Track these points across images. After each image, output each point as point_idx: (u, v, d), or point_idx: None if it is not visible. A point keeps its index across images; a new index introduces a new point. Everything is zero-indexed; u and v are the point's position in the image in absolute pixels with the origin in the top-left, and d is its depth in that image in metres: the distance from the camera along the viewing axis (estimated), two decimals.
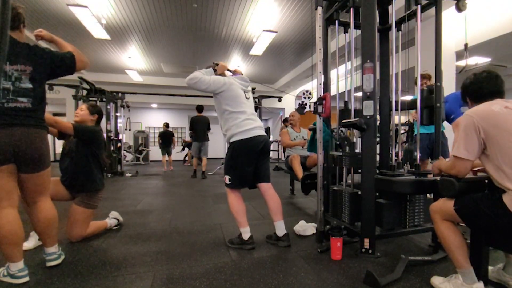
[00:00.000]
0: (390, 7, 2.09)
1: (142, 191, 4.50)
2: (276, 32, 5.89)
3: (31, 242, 1.95)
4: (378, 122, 2.19)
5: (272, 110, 12.15)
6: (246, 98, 2.10)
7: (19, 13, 1.52)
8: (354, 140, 2.08)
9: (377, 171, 1.91)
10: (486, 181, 1.37)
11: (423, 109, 1.98)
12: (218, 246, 2.06)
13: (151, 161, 11.62)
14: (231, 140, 2.00)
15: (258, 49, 6.83)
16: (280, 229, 2.07)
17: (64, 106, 10.07)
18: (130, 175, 6.65)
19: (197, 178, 6.08)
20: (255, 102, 2.71)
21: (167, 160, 8.41)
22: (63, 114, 10.84)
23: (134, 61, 8.13)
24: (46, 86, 1.61)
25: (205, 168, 6.21)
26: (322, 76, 2.11)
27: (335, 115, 2.27)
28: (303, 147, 3.99)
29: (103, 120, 2.92)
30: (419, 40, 1.89)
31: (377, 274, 1.47)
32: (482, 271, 1.34)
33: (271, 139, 9.38)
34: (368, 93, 1.80)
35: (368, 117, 1.79)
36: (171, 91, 9.55)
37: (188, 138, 11.77)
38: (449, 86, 3.96)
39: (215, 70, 2.17)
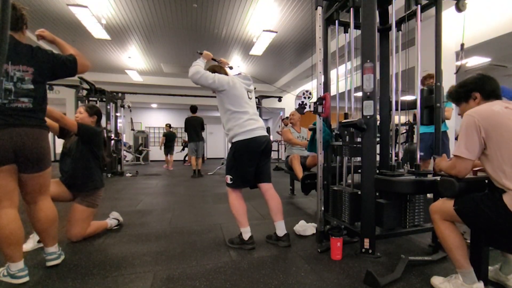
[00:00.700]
0: (390, 7, 2.09)
1: (142, 191, 4.50)
2: (276, 32, 5.89)
3: (30, 244, 1.95)
4: (378, 122, 2.19)
5: (272, 110, 12.14)
6: (249, 98, 2.10)
7: (23, 14, 1.52)
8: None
9: (377, 171, 1.91)
10: (486, 181, 1.37)
11: (423, 109, 1.98)
12: (218, 246, 2.06)
13: (151, 161, 11.61)
14: (233, 140, 2.00)
15: (258, 49, 6.83)
16: (280, 229, 2.07)
17: (64, 106, 10.06)
18: (130, 175, 6.64)
19: (194, 177, 6.17)
20: (255, 102, 2.72)
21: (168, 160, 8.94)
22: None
23: (134, 61, 8.13)
24: (46, 86, 1.61)
25: (200, 166, 6.40)
26: (322, 76, 2.11)
27: (335, 115, 2.27)
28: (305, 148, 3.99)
29: (103, 120, 2.92)
30: (419, 40, 1.89)
31: (377, 274, 1.47)
32: (482, 271, 1.34)
33: (271, 139, 9.37)
34: (368, 93, 1.80)
35: (368, 117, 1.79)
36: (171, 91, 9.55)
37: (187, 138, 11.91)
38: (449, 86, 3.96)
39: (215, 61, 2.19)
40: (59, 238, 1.86)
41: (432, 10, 1.97)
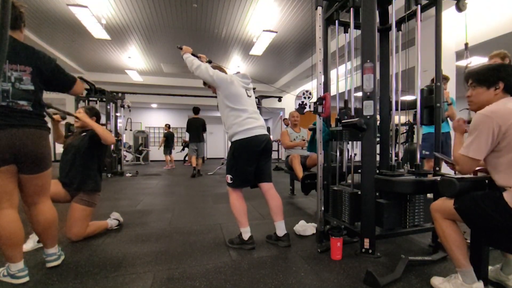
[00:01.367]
0: (390, 7, 2.09)
1: (142, 191, 4.50)
2: (276, 32, 5.89)
3: (30, 244, 1.95)
4: (378, 122, 2.19)
5: (272, 110, 12.14)
6: (248, 96, 2.10)
7: (21, 12, 1.50)
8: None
9: (377, 171, 1.91)
10: (487, 181, 1.37)
11: (423, 109, 1.98)
12: (218, 246, 2.06)
13: (151, 161, 11.61)
14: (233, 139, 2.00)
15: (258, 49, 6.83)
16: (281, 229, 2.07)
17: (64, 106, 10.04)
18: (130, 175, 6.64)
19: (196, 177, 6.19)
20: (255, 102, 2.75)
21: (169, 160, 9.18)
22: None
23: (134, 61, 8.13)
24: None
25: (200, 166, 6.60)
26: (322, 76, 2.11)
27: (335, 115, 2.27)
28: (302, 148, 3.99)
29: (103, 120, 2.92)
30: (419, 40, 1.89)
31: (377, 274, 1.47)
32: (482, 271, 1.34)
33: (271, 139, 9.41)
34: (368, 93, 1.80)
35: (368, 117, 1.79)
36: (171, 91, 9.56)
37: (188, 139, 12.01)
38: (449, 86, 3.96)
39: (195, 56, 2.19)
40: (59, 238, 1.86)
41: (432, 10, 1.97)
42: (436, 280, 1.45)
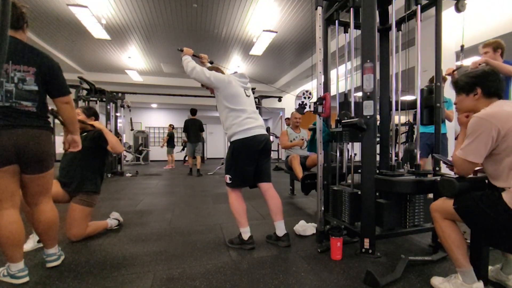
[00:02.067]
0: (390, 7, 2.09)
1: (142, 191, 4.50)
2: (276, 32, 5.89)
3: (30, 244, 1.95)
4: (378, 122, 2.19)
5: (272, 110, 12.14)
6: (247, 95, 2.09)
7: (23, 12, 1.49)
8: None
9: (377, 171, 1.91)
10: (486, 181, 1.37)
11: (423, 109, 1.98)
12: (218, 246, 2.06)
13: (151, 161, 11.61)
14: (232, 139, 2.00)
15: (258, 49, 6.83)
16: (280, 229, 2.07)
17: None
18: (130, 175, 6.64)
19: (194, 177, 6.28)
20: (255, 102, 2.74)
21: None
22: None
23: (134, 61, 8.13)
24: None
25: (199, 166, 6.74)
26: (322, 76, 2.11)
27: (335, 115, 2.27)
28: (301, 147, 3.99)
29: (103, 120, 2.93)
30: (419, 40, 1.89)
31: (377, 274, 1.47)
32: (482, 271, 1.34)
33: (271, 139, 9.47)
34: (368, 93, 1.80)
35: (368, 117, 1.79)
36: (171, 91, 9.56)
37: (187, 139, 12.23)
38: (449, 86, 3.96)
39: (196, 57, 2.23)
40: (59, 238, 1.86)
41: (432, 10, 1.97)
42: (436, 280, 1.45)
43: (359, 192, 1.88)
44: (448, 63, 4.45)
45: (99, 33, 5.72)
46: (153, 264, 1.76)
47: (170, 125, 9.89)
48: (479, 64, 2.18)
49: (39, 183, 1.56)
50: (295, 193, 4.09)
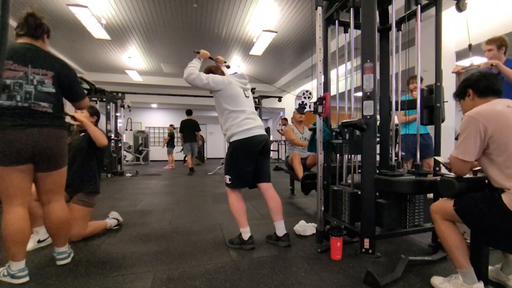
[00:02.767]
0: (390, 7, 2.09)
1: (142, 191, 4.50)
2: (276, 32, 5.89)
3: (30, 244, 1.94)
4: (378, 122, 2.19)
5: (272, 110, 12.13)
6: (246, 96, 2.09)
7: (42, 23, 1.61)
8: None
9: (377, 171, 1.91)
10: (486, 181, 1.37)
11: (423, 109, 1.98)
12: (218, 246, 2.06)
13: (151, 161, 11.61)
14: (231, 140, 2.00)
15: (258, 49, 6.83)
16: (280, 229, 2.07)
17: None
18: (130, 175, 6.64)
19: (194, 177, 6.31)
20: (255, 102, 2.76)
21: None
22: None
23: (134, 61, 8.12)
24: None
25: (191, 164, 7.10)
26: (322, 76, 2.11)
27: (335, 115, 2.27)
28: (302, 148, 3.98)
29: (103, 120, 2.93)
30: (419, 40, 1.89)
31: (377, 274, 1.47)
32: (482, 271, 1.34)
33: (271, 139, 9.50)
34: (368, 93, 1.80)
35: (368, 117, 1.79)
36: (171, 91, 9.55)
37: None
38: (449, 86, 3.96)
39: (212, 59, 2.23)
40: None
41: (432, 10, 1.96)
42: (436, 280, 1.45)
43: (359, 192, 1.88)
44: (448, 63, 4.45)
45: (99, 33, 5.72)
46: (153, 264, 1.76)
47: (170, 125, 9.93)
48: (492, 65, 2.21)
49: (52, 180, 1.62)
50: (295, 193, 4.09)
